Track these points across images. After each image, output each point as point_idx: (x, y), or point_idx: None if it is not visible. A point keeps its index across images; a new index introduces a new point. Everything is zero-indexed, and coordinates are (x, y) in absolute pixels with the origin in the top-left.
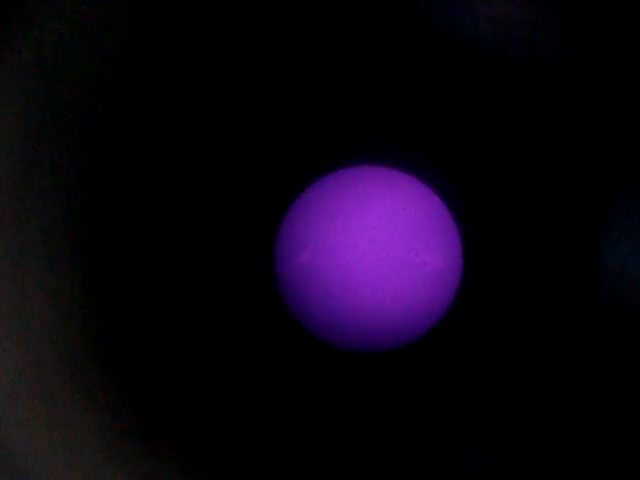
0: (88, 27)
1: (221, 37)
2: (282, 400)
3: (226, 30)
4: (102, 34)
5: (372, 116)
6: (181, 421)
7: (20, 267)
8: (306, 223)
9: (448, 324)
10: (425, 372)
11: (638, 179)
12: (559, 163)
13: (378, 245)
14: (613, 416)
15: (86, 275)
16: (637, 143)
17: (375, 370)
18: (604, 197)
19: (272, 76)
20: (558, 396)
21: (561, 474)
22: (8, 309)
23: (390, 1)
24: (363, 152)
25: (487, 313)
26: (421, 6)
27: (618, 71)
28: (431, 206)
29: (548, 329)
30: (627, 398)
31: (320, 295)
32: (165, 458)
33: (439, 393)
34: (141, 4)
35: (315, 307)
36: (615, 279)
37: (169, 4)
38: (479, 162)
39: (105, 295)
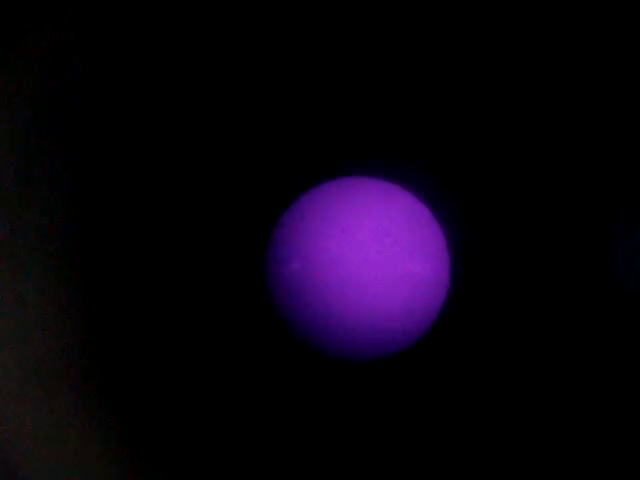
0: (87, 27)
1: (220, 42)
2: (272, 408)
3: (225, 35)
4: (102, 35)
5: (359, 127)
6: (171, 424)
7: (18, 270)
8: (296, 232)
9: (436, 333)
10: (415, 380)
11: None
12: (550, 169)
13: (367, 254)
14: (613, 417)
15: (84, 278)
16: (635, 149)
17: (365, 378)
18: (600, 200)
19: (264, 88)
20: (553, 399)
21: (560, 477)
22: (7, 312)
23: (388, 4)
24: (353, 163)
25: (475, 321)
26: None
27: (618, 72)
28: (418, 215)
29: (537, 335)
30: (626, 398)
31: (310, 303)
32: (157, 459)
33: (428, 402)
34: (142, 5)
35: (305, 315)
36: (618, 281)
37: (170, 4)
38: (466, 171)
39: (101, 298)
